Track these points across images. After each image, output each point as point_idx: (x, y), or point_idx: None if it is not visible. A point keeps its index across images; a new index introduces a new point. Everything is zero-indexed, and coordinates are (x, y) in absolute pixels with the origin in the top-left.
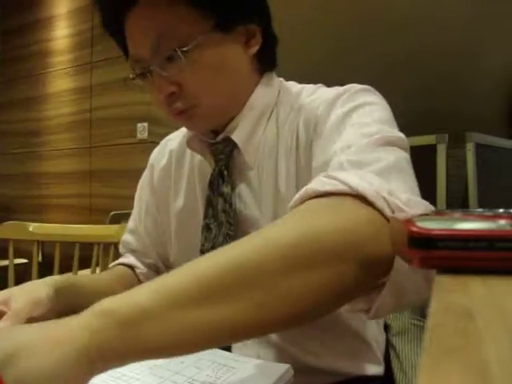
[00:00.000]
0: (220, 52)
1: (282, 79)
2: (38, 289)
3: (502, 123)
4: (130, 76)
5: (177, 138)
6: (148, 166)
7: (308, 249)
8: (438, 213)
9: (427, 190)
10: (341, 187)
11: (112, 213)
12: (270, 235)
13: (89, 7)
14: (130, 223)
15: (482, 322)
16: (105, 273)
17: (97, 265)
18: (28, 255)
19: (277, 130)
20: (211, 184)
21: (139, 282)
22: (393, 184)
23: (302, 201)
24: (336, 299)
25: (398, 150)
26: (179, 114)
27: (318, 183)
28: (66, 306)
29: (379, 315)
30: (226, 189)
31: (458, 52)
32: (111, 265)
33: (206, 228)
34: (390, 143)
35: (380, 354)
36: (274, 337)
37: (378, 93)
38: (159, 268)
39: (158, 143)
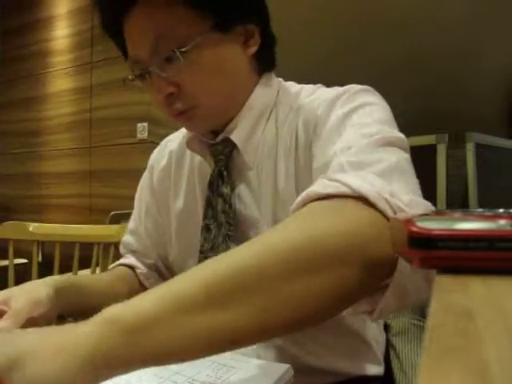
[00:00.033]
0: (219, 52)
1: (281, 79)
2: (38, 289)
3: (502, 123)
4: (129, 77)
5: (176, 138)
6: (148, 166)
7: (310, 252)
8: (438, 213)
9: (427, 190)
10: (343, 189)
11: (112, 213)
12: (271, 240)
13: (89, 7)
14: (131, 224)
15: (482, 322)
16: (105, 273)
17: (97, 265)
18: (28, 255)
19: (276, 130)
20: (211, 184)
21: (140, 282)
22: (394, 185)
23: (304, 204)
24: (339, 303)
25: (399, 150)
26: (178, 114)
27: (320, 186)
28: (65, 306)
29: (382, 316)
30: (225, 189)
31: (457, 52)
32: (112, 266)
33: (206, 228)
34: (390, 143)
35: (380, 354)
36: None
37: (377, 93)
38: (159, 268)
39: (157, 143)
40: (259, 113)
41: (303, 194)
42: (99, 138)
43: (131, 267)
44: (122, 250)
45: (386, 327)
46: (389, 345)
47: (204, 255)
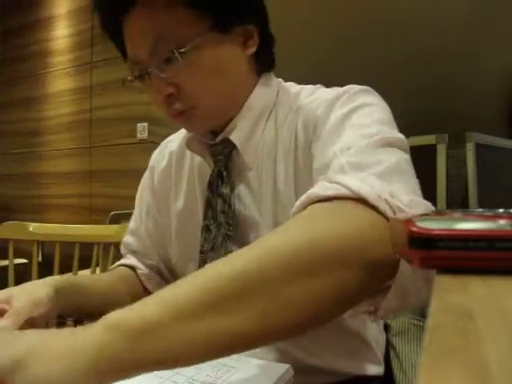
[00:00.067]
0: (218, 53)
1: (280, 80)
2: (39, 289)
3: (502, 123)
4: (129, 78)
5: (177, 139)
6: (148, 167)
7: (310, 255)
8: (438, 213)
9: (427, 190)
10: (343, 191)
11: (112, 213)
12: (271, 243)
13: (89, 7)
14: (131, 224)
15: (482, 322)
16: (105, 274)
17: (97, 265)
18: (28, 255)
19: (275, 131)
20: (210, 185)
21: (140, 282)
22: (394, 186)
23: (304, 206)
24: (340, 305)
25: (398, 151)
26: (178, 115)
27: (320, 188)
28: (65, 306)
29: (384, 317)
30: (225, 190)
31: (457, 52)
32: (112, 266)
33: (206, 229)
34: (389, 144)
35: (380, 354)
36: None
37: (376, 93)
38: (160, 269)
39: (157, 143)
40: (259, 113)
41: (303, 197)
42: (99, 138)
43: (132, 268)
44: (122, 250)
45: (386, 327)
46: (389, 345)
47: (204, 256)
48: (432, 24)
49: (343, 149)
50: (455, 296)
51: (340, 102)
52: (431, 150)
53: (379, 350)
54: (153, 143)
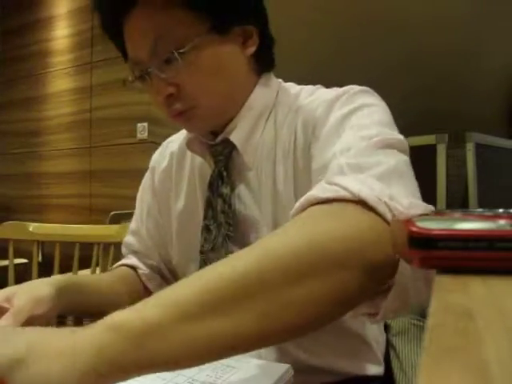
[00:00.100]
0: (217, 53)
1: (280, 80)
2: (40, 287)
3: (502, 123)
4: (129, 79)
5: (177, 139)
6: (149, 168)
7: (310, 257)
8: (437, 213)
9: (427, 190)
10: (342, 193)
11: (112, 213)
12: (271, 245)
13: (89, 7)
14: (132, 225)
15: (482, 322)
16: (106, 273)
17: (97, 265)
18: (28, 255)
19: (275, 131)
20: (211, 185)
21: (141, 282)
22: (394, 188)
23: (304, 208)
24: (339, 307)
25: (398, 152)
26: (178, 115)
27: (319, 190)
28: (67, 305)
29: (383, 319)
30: (225, 190)
31: (457, 52)
32: (113, 266)
33: (206, 229)
34: (389, 146)
35: (380, 354)
36: None
37: (376, 94)
38: (161, 269)
39: (157, 143)
40: (258, 113)
41: (302, 199)
42: (99, 138)
43: (133, 268)
44: (123, 250)
45: (386, 327)
46: (389, 345)
47: (204, 256)
48: (432, 24)
49: (342, 150)
50: (455, 296)
51: (339, 103)
52: (431, 150)
53: (379, 350)
54: (153, 143)
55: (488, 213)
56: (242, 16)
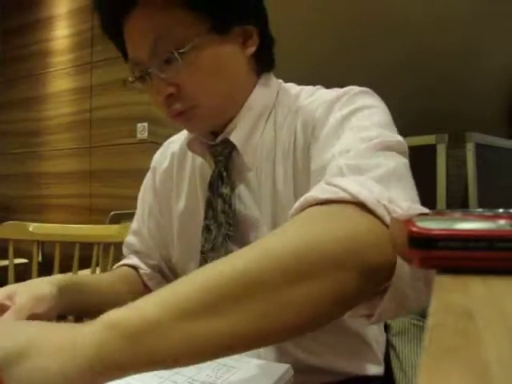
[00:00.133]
0: (217, 53)
1: (281, 81)
2: (42, 286)
3: (502, 123)
4: (130, 79)
5: (178, 140)
6: (150, 168)
7: (309, 258)
8: (437, 213)
9: (427, 190)
10: (341, 195)
11: (112, 213)
12: (270, 244)
13: (89, 7)
14: (134, 225)
15: (482, 322)
16: (108, 273)
17: (97, 265)
18: (28, 255)
19: (274, 132)
20: (211, 185)
21: (143, 282)
22: (393, 191)
23: (303, 208)
24: (337, 308)
25: (397, 155)
26: (178, 115)
27: (318, 191)
28: (68, 304)
29: (381, 320)
30: (225, 190)
31: (457, 52)
32: (115, 266)
33: (206, 229)
34: (388, 148)
35: (380, 355)
36: None
37: (376, 95)
38: (162, 268)
39: (157, 143)
40: (258, 113)
41: (302, 199)
42: (99, 138)
43: (134, 268)
44: (124, 250)
45: (386, 327)
46: (389, 345)
47: (205, 256)
48: (432, 24)
49: (342, 151)
50: (455, 296)
51: (339, 104)
52: (431, 150)
53: (379, 349)
54: (153, 143)
55: (488, 213)
56: (242, 16)
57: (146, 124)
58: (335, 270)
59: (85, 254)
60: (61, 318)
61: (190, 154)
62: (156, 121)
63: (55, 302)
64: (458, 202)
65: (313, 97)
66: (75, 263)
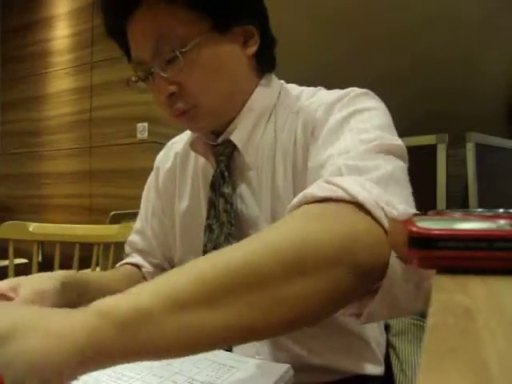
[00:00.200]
0: (218, 52)
1: (283, 81)
2: (46, 281)
3: (502, 123)
4: (133, 79)
5: (181, 140)
6: (154, 168)
7: (304, 254)
8: (437, 213)
9: (427, 190)
10: (340, 194)
11: (112, 213)
12: (270, 238)
13: (89, 7)
14: (137, 224)
15: (482, 322)
16: (111, 271)
17: (97, 265)
18: (28, 255)
19: (276, 132)
20: (213, 185)
21: (145, 280)
22: (390, 194)
23: (300, 205)
24: (331, 305)
25: (396, 159)
26: (180, 114)
27: (317, 188)
28: (71, 299)
29: (370, 321)
30: (226, 189)
31: (458, 53)
32: (118, 264)
33: (209, 229)
34: (387, 151)
35: (380, 355)
36: None
37: (377, 97)
38: (165, 268)
39: (158, 143)
40: (259, 114)
41: (299, 196)
42: (99, 138)
43: (137, 266)
44: (127, 249)
45: (387, 327)
46: (389, 345)
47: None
48: (433, 27)
49: (341, 151)
50: (455, 296)
51: (340, 105)
52: (431, 149)
53: (380, 350)
54: (153, 143)
55: (488, 213)
56: (243, 15)
57: (146, 124)
58: (330, 268)
59: (85, 254)
60: None
61: (192, 154)
62: (156, 121)
63: (58, 298)
64: (458, 202)
65: (314, 98)
66: (75, 263)
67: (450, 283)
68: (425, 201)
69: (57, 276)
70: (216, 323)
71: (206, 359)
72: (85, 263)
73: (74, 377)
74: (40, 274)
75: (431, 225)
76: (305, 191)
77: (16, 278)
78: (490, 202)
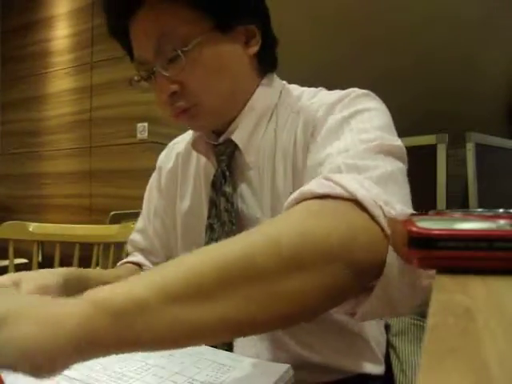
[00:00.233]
0: (219, 51)
1: (285, 82)
2: (48, 276)
3: (502, 123)
4: (136, 78)
5: (183, 140)
6: (156, 168)
7: (302, 250)
8: (437, 213)
9: (427, 190)
10: (339, 191)
11: (112, 213)
12: (267, 232)
13: (89, 7)
14: (139, 223)
15: (482, 322)
16: (113, 269)
17: (97, 265)
18: (28, 255)
19: (276, 132)
20: (214, 184)
21: None
22: (389, 194)
23: (298, 201)
24: (327, 301)
25: (395, 160)
26: (182, 112)
27: (316, 185)
28: (72, 296)
29: (365, 319)
30: (228, 189)
31: (458, 53)
32: (119, 263)
33: (210, 228)
34: (387, 152)
35: (381, 355)
36: (274, 332)
37: (378, 98)
38: None
39: (158, 143)
40: (260, 114)
41: (298, 192)
42: (99, 138)
43: (139, 265)
44: (128, 248)
45: (387, 327)
46: (389, 345)
47: None
48: (434, 27)
49: (341, 150)
50: (455, 296)
51: (340, 106)
52: (431, 149)
53: (380, 350)
54: (153, 143)
55: (488, 213)
56: (245, 15)
57: (146, 124)
58: (327, 264)
59: (85, 254)
60: None
61: (194, 154)
62: (156, 121)
63: (61, 293)
64: (458, 202)
65: (315, 98)
66: (75, 263)
67: (450, 283)
68: (425, 201)
69: (59, 272)
70: (213, 316)
71: (205, 359)
72: (85, 263)
73: (67, 365)
74: (40, 270)
75: (431, 225)
76: (303, 187)
77: (17, 273)
78: (489, 201)
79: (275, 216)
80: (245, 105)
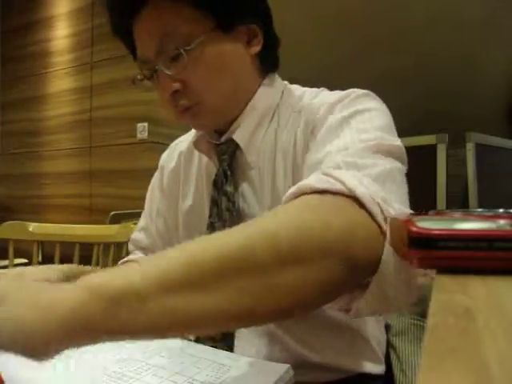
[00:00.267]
0: (221, 50)
1: (286, 82)
2: (51, 272)
3: (502, 123)
4: (138, 77)
5: (186, 140)
6: (158, 168)
7: (299, 243)
8: (437, 213)
9: (427, 190)
10: (338, 186)
11: (112, 213)
12: (264, 225)
13: (89, 7)
14: (141, 222)
15: (482, 322)
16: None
17: (97, 265)
18: (28, 255)
19: (277, 132)
20: (215, 183)
21: None
22: (387, 192)
23: (296, 196)
24: (322, 296)
25: (394, 160)
26: (184, 111)
27: (315, 180)
28: None
29: (360, 315)
30: (229, 188)
31: (459, 53)
32: (120, 262)
33: (211, 227)
34: (386, 152)
35: (381, 354)
36: (275, 332)
37: (378, 98)
38: None
39: (158, 143)
40: (262, 113)
41: (296, 187)
42: (99, 138)
43: None
44: (130, 247)
45: (387, 327)
46: (389, 345)
47: None
48: (436, 27)
49: (340, 148)
50: (455, 296)
51: (341, 106)
52: (431, 149)
53: (380, 349)
54: (153, 143)
55: (488, 213)
56: (247, 15)
57: (146, 124)
58: (323, 259)
59: (85, 254)
60: None
61: (196, 153)
62: (156, 121)
63: None
64: (458, 202)
65: (316, 98)
66: (75, 263)
67: (450, 283)
68: (425, 201)
69: (59, 268)
70: (206, 307)
71: (205, 359)
72: (85, 263)
73: (61, 350)
74: (41, 266)
75: (431, 225)
76: (302, 182)
77: (18, 268)
78: (490, 201)
79: None
80: (246, 104)
